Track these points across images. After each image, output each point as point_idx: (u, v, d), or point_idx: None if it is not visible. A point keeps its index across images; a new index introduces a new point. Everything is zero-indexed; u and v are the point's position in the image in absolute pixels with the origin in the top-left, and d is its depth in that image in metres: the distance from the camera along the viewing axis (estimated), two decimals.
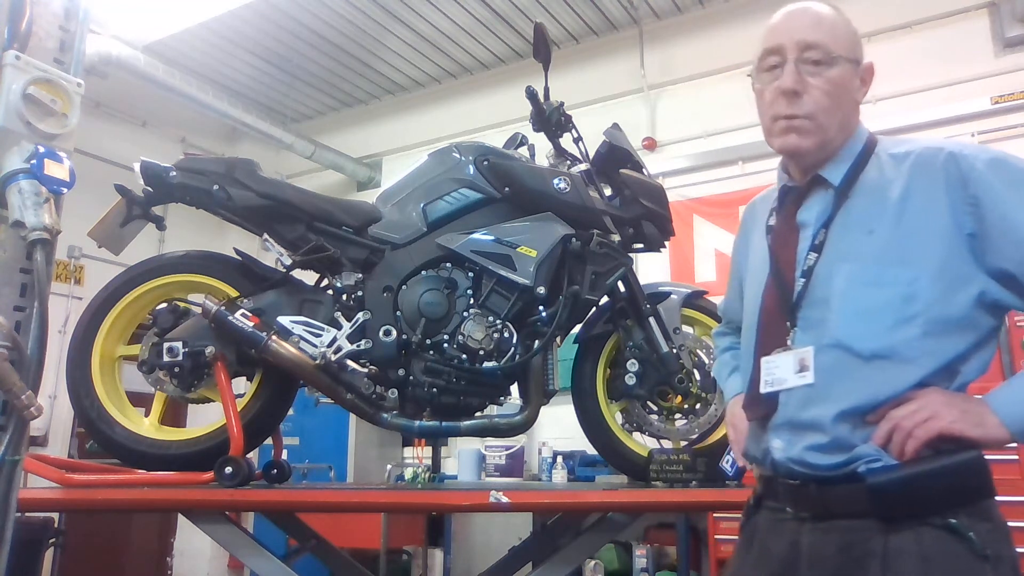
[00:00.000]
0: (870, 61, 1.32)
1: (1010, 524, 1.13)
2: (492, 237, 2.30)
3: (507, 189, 2.34)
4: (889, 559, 1.08)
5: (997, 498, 1.13)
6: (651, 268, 4.73)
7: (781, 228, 1.35)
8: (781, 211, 1.37)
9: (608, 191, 2.50)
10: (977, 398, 1.13)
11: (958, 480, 1.10)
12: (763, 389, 1.26)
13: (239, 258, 2.43)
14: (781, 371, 1.24)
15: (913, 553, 1.07)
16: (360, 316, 2.28)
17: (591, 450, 2.72)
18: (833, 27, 1.28)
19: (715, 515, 4.29)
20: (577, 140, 2.54)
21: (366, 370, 2.25)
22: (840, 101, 1.27)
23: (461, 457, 5.12)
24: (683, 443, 2.41)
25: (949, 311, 1.15)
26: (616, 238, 2.40)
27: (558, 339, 2.38)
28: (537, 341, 2.29)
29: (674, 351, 2.37)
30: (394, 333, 2.27)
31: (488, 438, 4.75)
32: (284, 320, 2.26)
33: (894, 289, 1.16)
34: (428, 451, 5.77)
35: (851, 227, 1.24)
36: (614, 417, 2.44)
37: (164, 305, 2.35)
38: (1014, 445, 1.20)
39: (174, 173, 2.31)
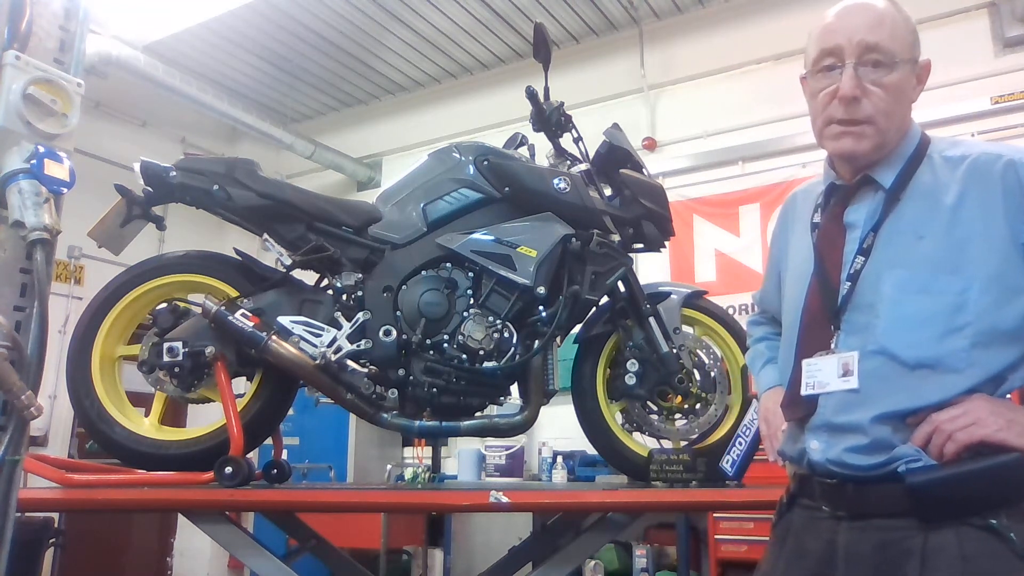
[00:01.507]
0: (927, 59, 1.28)
1: None
2: (492, 237, 2.30)
3: (507, 189, 2.34)
4: (928, 558, 1.08)
5: None
6: (651, 268, 4.73)
7: (828, 228, 1.32)
8: (827, 209, 1.34)
9: (608, 191, 2.50)
10: (1021, 407, 1.12)
11: (999, 481, 1.09)
12: (804, 392, 1.24)
13: (239, 258, 2.42)
14: (823, 374, 1.22)
15: (952, 552, 1.07)
16: (360, 316, 2.27)
17: (591, 450, 2.72)
18: (894, 26, 1.23)
19: (715, 515, 4.29)
20: (577, 140, 2.53)
21: (366, 370, 2.25)
22: (899, 103, 1.24)
23: (461, 457, 5.13)
24: (683, 443, 2.41)
25: (1000, 322, 1.13)
26: (616, 238, 2.40)
27: (558, 339, 2.38)
28: (537, 341, 2.28)
29: (674, 351, 2.37)
30: (394, 333, 2.27)
31: (488, 438, 4.76)
32: (284, 320, 2.26)
33: (944, 298, 1.14)
34: (428, 451, 5.78)
35: (901, 232, 1.21)
36: (614, 417, 2.44)
37: (164, 305, 2.35)
38: None
39: (174, 173, 2.31)
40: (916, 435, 1.13)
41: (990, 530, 1.06)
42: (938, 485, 1.09)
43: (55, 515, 4.66)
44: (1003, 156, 1.18)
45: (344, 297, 2.32)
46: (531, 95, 2.42)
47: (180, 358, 2.22)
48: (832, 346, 1.23)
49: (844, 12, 1.27)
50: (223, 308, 2.22)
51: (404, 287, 2.31)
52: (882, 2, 1.26)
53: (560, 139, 2.51)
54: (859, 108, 1.22)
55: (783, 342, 1.40)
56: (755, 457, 2.23)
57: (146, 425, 2.29)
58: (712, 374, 2.41)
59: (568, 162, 2.49)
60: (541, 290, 2.25)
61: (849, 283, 1.23)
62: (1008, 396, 1.17)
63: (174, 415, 4.11)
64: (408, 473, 5.59)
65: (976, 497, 1.08)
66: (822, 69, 1.26)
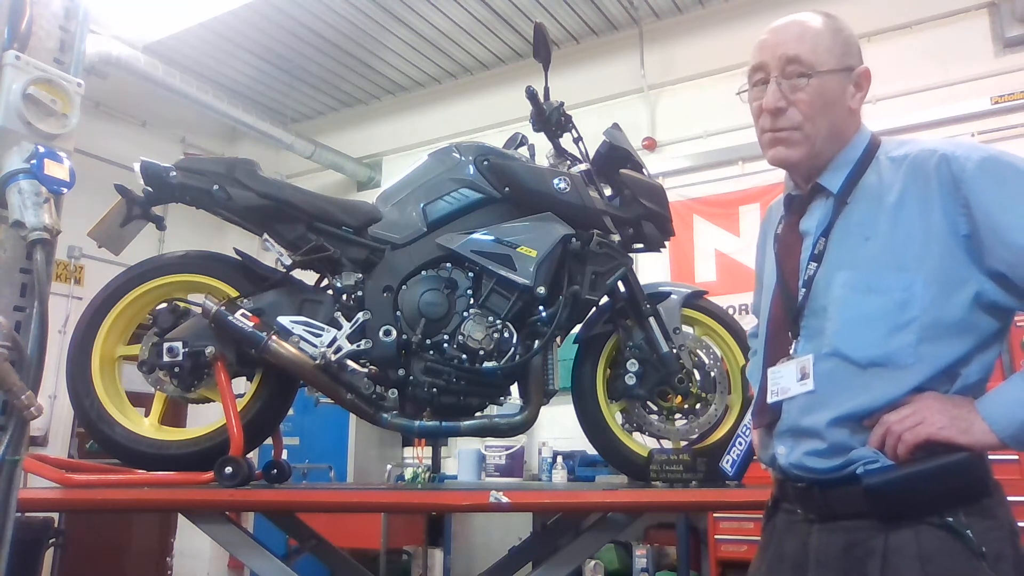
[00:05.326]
0: (865, 66, 1.31)
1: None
2: (492, 237, 2.30)
3: (507, 189, 2.34)
4: (889, 558, 1.10)
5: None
6: (651, 268, 4.73)
7: (785, 237, 1.37)
8: (787, 219, 1.38)
9: (608, 191, 2.50)
10: (970, 403, 1.13)
11: (952, 480, 1.10)
12: (770, 399, 1.28)
13: (239, 258, 2.42)
14: (785, 381, 1.26)
15: (911, 552, 1.09)
16: (360, 316, 2.27)
17: (591, 450, 2.72)
18: (816, 39, 1.28)
19: (715, 515, 4.30)
20: (577, 140, 2.53)
21: (366, 370, 2.25)
22: (825, 110, 1.27)
23: (461, 457, 5.13)
24: (683, 443, 2.41)
25: (946, 314, 1.15)
26: (616, 238, 2.40)
27: (558, 339, 2.38)
28: (537, 341, 2.28)
29: (674, 351, 2.37)
30: (394, 333, 2.27)
31: (488, 438, 4.75)
32: (284, 320, 2.26)
33: (889, 295, 1.17)
34: (428, 451, 5.78)
35: (849, 234, 1.25)
36: (614, 417, 2.44)
37: (164, 305, 2.35)
38: None
39: (174, 173, 2.31)
40: (872, 437, 1.16)
41: (947, 528, 1.08)
42: (892, 486, 1.11)
43: (55, 515, 4.66)
44: (937, 151, 1.20)
45: (344, 297, 2.32)
46: (531, 95, 2.42)
47: (180, 358, 2.22)
48: (791, 352, 1.27)
49: (772, 31, 1.34)
50: (223, 308, 2.22)
51: (404, 287, 2.31)
52: (812, 18, 1.31)
53: (560, 139, 2.51)
54: (785, 117, 1.28)
55: (759, 352, 1.43)
56: (755, 457, 2.23)
57: (146, 425, 2.29)
58: (712, 374, 2.41)
59: (568, 162, 2.49)
60: (541, 290, 2.25)
61: (804, 289, 1.27)
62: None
63: (174, 415, 4.11)
64: (408, 473, 5.59)
65: (932, 496, 1.10)
66: (755, 84, 1.34)
